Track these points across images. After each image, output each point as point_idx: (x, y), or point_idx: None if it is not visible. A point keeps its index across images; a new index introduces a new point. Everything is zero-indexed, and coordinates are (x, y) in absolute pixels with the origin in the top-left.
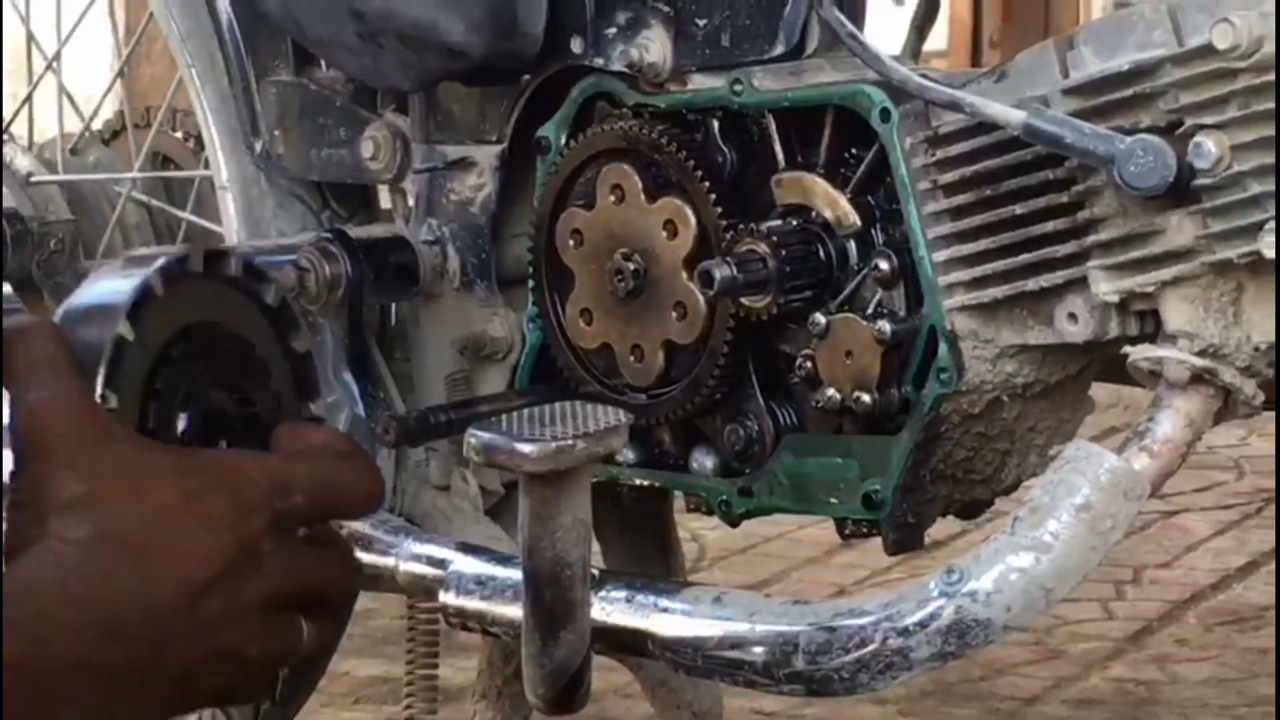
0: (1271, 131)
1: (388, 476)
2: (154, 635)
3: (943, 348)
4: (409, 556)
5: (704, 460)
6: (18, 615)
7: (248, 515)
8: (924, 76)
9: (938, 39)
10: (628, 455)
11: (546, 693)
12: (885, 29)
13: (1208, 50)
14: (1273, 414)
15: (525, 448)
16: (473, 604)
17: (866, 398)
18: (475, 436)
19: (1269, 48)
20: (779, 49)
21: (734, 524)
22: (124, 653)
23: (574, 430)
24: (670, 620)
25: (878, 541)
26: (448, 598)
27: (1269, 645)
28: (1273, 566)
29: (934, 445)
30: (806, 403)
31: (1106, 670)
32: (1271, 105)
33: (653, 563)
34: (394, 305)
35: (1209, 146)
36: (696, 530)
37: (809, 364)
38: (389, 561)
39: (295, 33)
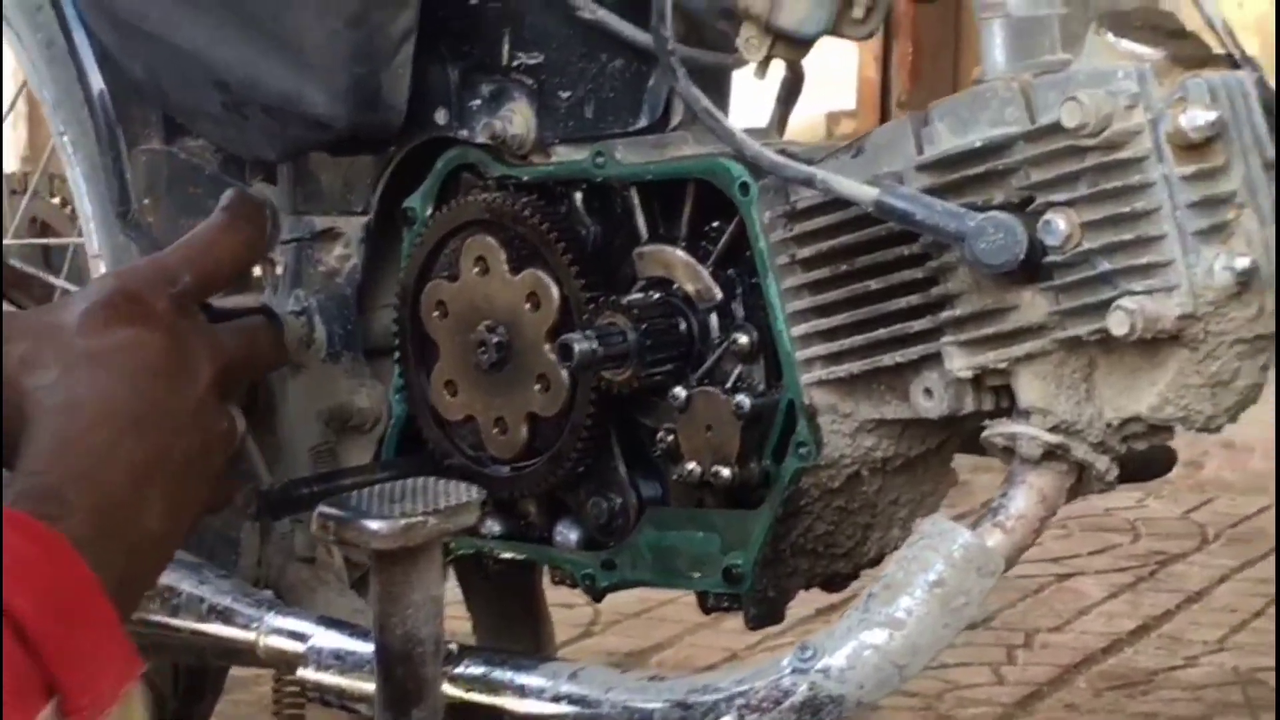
0: (1120, 209)
1: (252, 550)
2: (167, 426)
3: (801, 422)
4: (270, 630)
5: (568, 533)
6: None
7: (151, 304)
8: (782, 152)
9: (846, 99)
10: (493, 528)
11: None
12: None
13: (1058, 128)
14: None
15: (374, 525)
16: (331, 679)
17: (726, 472)
18: (324, 513)
19: (1118, 125)
20: (643, 121)
21: (598, 598)
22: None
23: (425, 506)
24: (526, 697)
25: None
26: (307, 672)
27: (1156, 710)
28: (1162, 631)
29: (794, 519)
30: (668, 476)
31: None
32: (1119, 183)
33: (522, 634)
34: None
35: (1059, 224)
36: None
37: (670, 437)
38: (250, 636)
39: (162, 102)
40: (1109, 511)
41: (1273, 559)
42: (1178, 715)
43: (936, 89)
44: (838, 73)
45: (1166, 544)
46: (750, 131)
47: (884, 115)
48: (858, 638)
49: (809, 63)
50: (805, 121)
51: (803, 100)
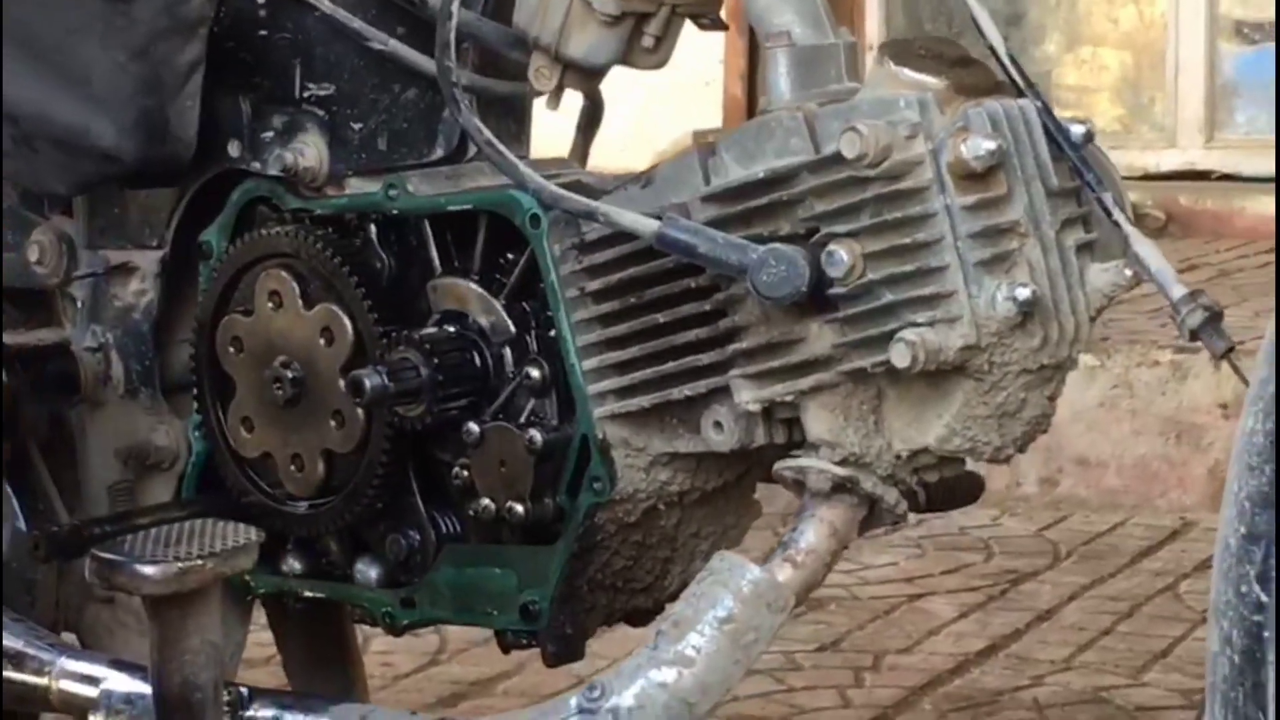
0: (902, 240)
1: (49, 592)
2: None
3: (595, 457)
4: (62, 674)
5: (368, 570)
6: None
7: None
8: (574, 182)
9: (713, 117)
10: (293, 565)
11: None
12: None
13: (839, 158)
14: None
15: (147, 569)
16: None
17: (520, 508)
18: (97, 557)
19: (898, 155)
20: (438, 153)
21: (397, 635)
22: None
23: (201, 549)
24: None
25: (624, 629)
26: (97, 718)
27: None
28: (1010, 650)
29: (591, 555)
30: (465, 512)
31: None
32: (901, 214)
33: (332, 674)
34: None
35: (841, 255)
36: None
37: (465, 473)
38: (43, 681)
39: None
40: (963, 530)
41: (1123, 577)
42: None
43: None
44: (703, 90)
45: (1019, 562)
46: (547, 162)
47: None
48: (646, 676)
49: (673, 80)
50: (672, 140)
51: (669, 119)
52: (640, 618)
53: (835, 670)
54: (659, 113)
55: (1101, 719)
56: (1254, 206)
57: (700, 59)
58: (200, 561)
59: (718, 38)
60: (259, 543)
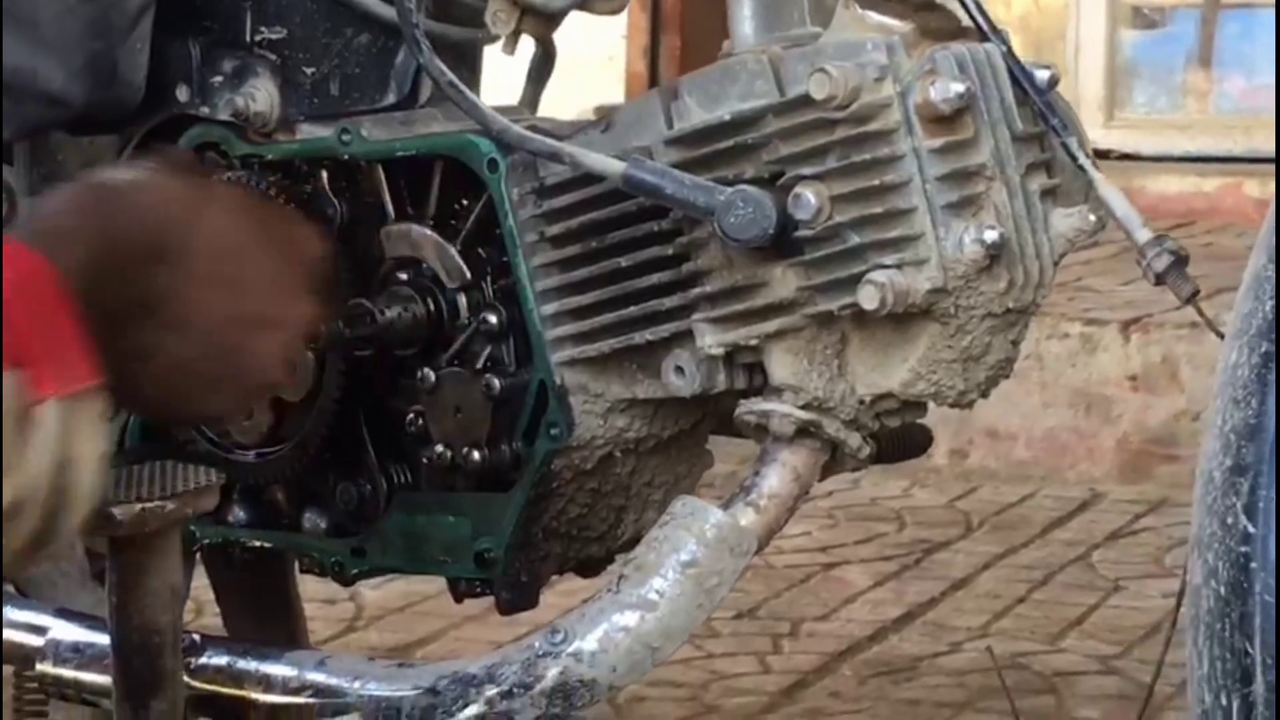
0: (870, 182)
1: None
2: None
3: (552, 403)
4: (6, 624)
5: (316, 520)
6: None
7: None
8: (530, 127)
9: (615, 93)
10: (240, 515)
11: None
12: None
13: (807, 101)
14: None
15: (110, 510)
16: (69, 672)
17: (476, 454)
18: None
19: (866, 98)
20: (390, 98)
21: (347, 584)
22: None
23: (162, 491)
24: (272, 688)
25: (543, 595)
26: (45, 666)
27: (920, 696)
28: (926, 618)
29: (546, 502)
30: (418, 460)
31: None
32: (869, 156)
33: (275, 628)
34: None
35: (809, 198)
36: (354, 589)
37: (419, 420)
38: None
39: None
40: (875, 501)
41: (1035, 546)
42: (940, 701)
43: None
44: (605, 65)
45: (932, 532)
46: (500, 109)
47: None
48: (609, 620)
49: (575, 55)
50: (575, 114)
51: (571, 94)
52: (593, 566)
53: (754, 637)
54: (561, 87)
55: (1020, 684)
56: (1154, 185)
57: (603, 34)
58: (162, 503)
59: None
60: (220, 485)
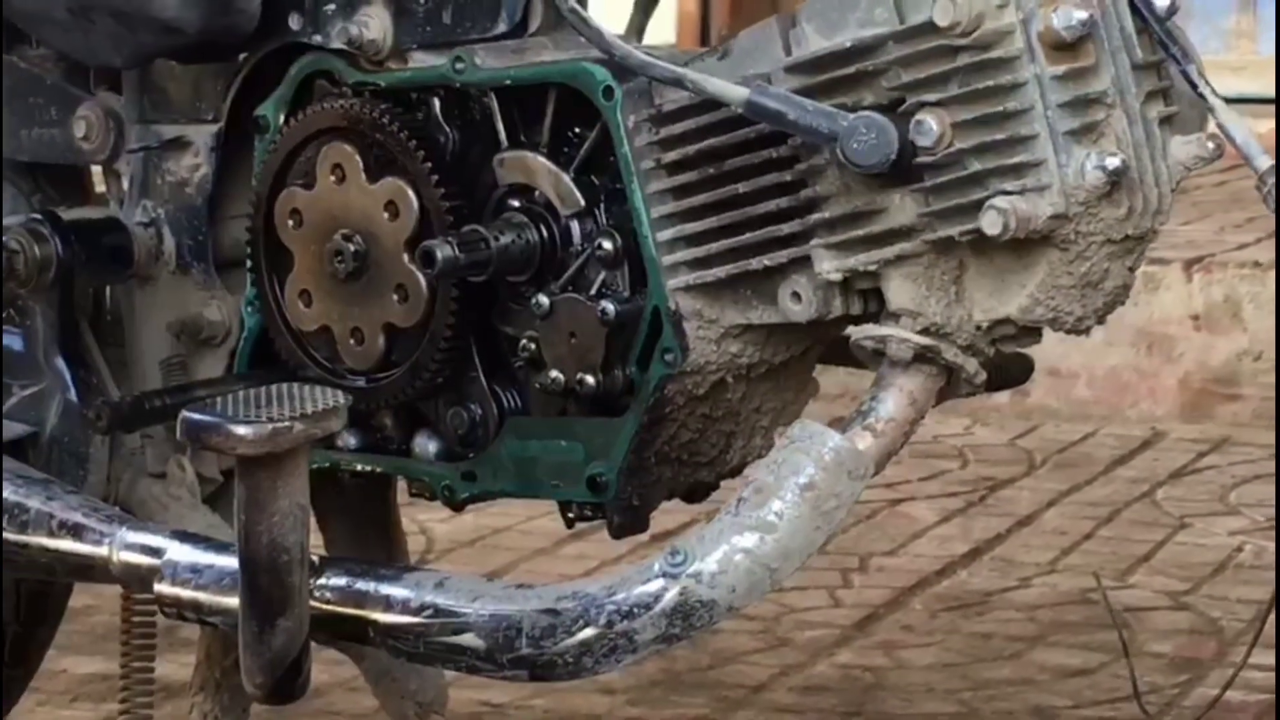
0: (992, 109)
1: (101, 466)
2: None
3: (667, 328)
4: (123, 545)
5: (426, 445)
6: None
7: None
8: (648, 54)
9: (666, 33)
10: (349, 441)
11: (264, 682)
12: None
13: (929, 27)
14: (992, 400)
15: (240, 429)
16: (188, 593)
17: (590, 379)
18: (189, 418)
19: (989, 25)
20: (502, 26)
21: (458, 509)
22: None
23: (291, 412)
24: (391, 608)
25: (605, 533)
26: (162, 587)
27: (992, 630)
28: (994, 554)
29: (659, 427)
30: (530, 385)
31: (833, 657)
32: (991, 83)
33: (376, 552)
34: (108, 288)
35: (930, 124)
36: (425, 522)
37: (532, 346)
38: (102, 551)
39: (4, 8)
40: (937, 439)
41: (1099, 484)
42: (1013, 635)
43: (756, 21)
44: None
45: (995, 470)
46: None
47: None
48: (729, 541)
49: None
50: None
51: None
52: (700, 492)
53: (823, 572)
54: (613, 28)
55: (1091, 619)
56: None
57: None
58: (291, 423)
59: None
60: (348, 406)
